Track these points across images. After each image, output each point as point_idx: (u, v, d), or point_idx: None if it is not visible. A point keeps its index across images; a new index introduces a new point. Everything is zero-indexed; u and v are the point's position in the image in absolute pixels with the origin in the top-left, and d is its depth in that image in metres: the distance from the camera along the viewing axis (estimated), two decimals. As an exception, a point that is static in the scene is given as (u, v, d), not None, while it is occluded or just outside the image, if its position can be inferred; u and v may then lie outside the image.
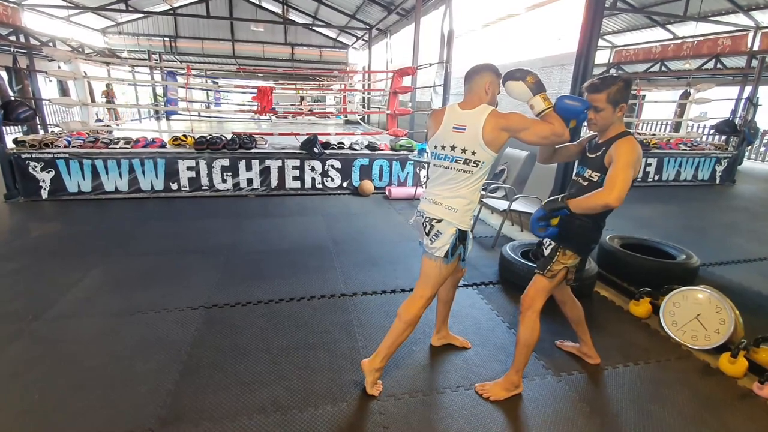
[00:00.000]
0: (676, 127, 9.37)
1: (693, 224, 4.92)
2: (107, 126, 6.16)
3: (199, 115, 11.61)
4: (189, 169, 5.06)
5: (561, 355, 2.19)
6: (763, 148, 10.13)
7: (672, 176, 6.86)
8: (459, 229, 1.68)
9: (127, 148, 4.96)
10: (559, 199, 1.64)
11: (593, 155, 1.72)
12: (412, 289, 2.83)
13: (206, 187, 5.16)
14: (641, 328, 2.49)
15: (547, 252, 1.79)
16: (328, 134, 6.35)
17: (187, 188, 5.10)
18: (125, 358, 2.05)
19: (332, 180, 5.54)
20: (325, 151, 5.46)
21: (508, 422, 1.72)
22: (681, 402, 1.87)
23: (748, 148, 9.56)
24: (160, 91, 11.29)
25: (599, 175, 1.65)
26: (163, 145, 5.14)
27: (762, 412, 1.81)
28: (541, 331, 1.78)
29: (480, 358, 2.13)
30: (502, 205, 3.84)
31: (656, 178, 6.80)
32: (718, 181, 7.14)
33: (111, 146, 4.93)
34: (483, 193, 4.27)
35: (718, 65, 9.17)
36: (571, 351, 2.19)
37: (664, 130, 10.50)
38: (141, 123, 10.36)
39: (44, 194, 4.71)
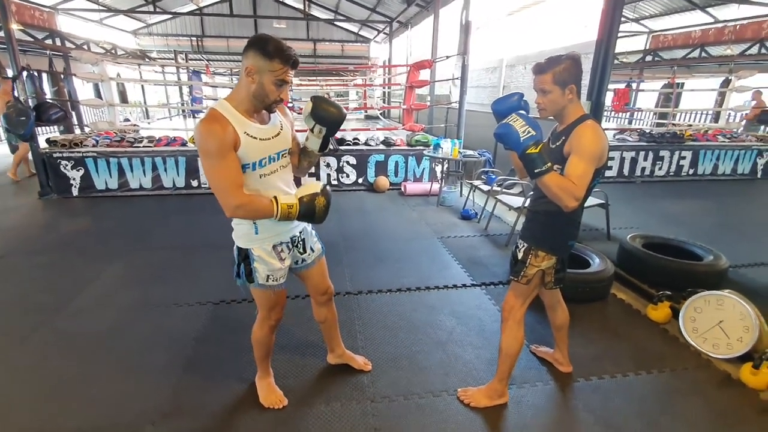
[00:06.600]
0: (717, 117, 8.80)
1: (728, 222, 4.61)
2: (134, 125, 6.41)
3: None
4: (208, 166, 5.19)
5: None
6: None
7: (708, 170, 6.44)
8: (238, 247, 1.54)
9: (150, 146, 5.14)
10: (546, 165, 1.38)
11: (554, 146, 1.56)
12: (418, 288, 2.85)
13: (225, 184, 5.27)
14: (659, 334, 2.36)
15: (520, 255, 1.66)
16: (344, 130, 6.34)
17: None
18: (136, 351, 2.14)
19: (347, 176, 5.54)
20: (341, 147, 5.46)
21: (503, 430, 1.67)
22: (695, 415, 1.76)
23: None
24: (187, 90, 11.64)
25: (560, 167, 1.47)
26: (183, 144, 5.29)
27: (785, 430, 1.68)
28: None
29: (481, 361, 2.07)
30: (517, 201, 3.73)
31: (691, 172, 6.41)
32: (759, 176, 6.65)
33: (135, 145, 5.13)
34: (497, 189, 4.16)
35: (763, 50, 8.51)
36: (544, 356, 2.08)
37: (704, 121, 9.87)
38: (171, 121, 10.74)
39: (75, 191, 4.97)
